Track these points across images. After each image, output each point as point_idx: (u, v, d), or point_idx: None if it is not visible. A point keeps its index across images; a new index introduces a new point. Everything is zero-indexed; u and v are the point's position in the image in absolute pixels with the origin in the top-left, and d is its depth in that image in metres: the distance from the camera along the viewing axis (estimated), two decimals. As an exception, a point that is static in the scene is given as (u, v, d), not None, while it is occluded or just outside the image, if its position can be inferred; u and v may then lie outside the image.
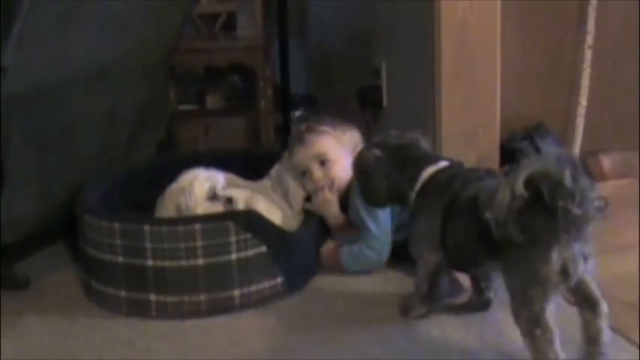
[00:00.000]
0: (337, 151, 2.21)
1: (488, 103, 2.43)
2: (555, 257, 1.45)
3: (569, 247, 1.45)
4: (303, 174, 2.22)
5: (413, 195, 1.79)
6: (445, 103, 2.40)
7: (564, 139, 2.59)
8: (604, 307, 1.55)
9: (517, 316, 1.53)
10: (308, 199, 2.23)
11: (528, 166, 1.41)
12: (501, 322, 1.76)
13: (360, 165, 1.89)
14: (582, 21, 2.51)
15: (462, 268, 1.79)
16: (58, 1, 1.97)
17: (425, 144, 1.86)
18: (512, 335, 1.59)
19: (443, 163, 1.80)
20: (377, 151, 1.85)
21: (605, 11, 2.49)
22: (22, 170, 2.06)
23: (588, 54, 2.53)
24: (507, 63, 2.43)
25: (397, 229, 2.11)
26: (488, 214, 1.47)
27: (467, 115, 2.41)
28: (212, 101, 3.53)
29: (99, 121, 2.28)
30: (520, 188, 1.39)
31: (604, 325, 1.56)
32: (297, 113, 3.60)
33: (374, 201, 1.92)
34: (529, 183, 1.40)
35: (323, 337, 1.81)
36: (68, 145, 2.20)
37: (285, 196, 2.26)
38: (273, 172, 2.35)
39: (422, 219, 1.77)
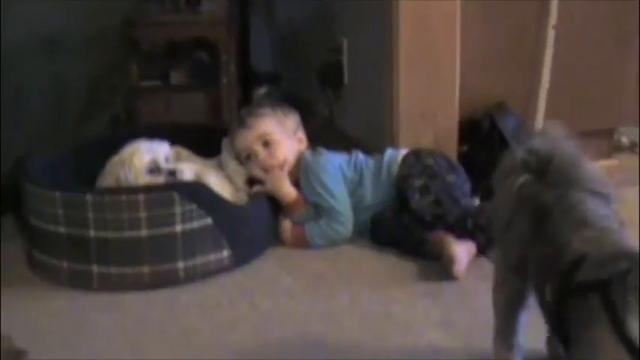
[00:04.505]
0: (280, 131, 2.21)
1: (447, 83, 2.39)
2: None
3: None
4: (248, 157, 2.20)
5: None
6: (403, 81, 2.36)
7: (526, 119, 2.57)
8: None
9: None
10: (251, 182, 2.19)
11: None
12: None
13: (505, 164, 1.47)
14: (545, 0, 2.48)
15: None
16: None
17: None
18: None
19: None
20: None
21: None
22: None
23: (551, 34, 2.50)
24: (469, 42, 2.39)
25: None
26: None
27: (425, 94, 2.37)
28: (176, 77, 3.47)
29: (48, 89, 2.24)
30: None
31: None
32: (262, 90, 3.57)
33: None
34: None
35: (266, 312, 1.79)
36: (16, 111, 2.16)
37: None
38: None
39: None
